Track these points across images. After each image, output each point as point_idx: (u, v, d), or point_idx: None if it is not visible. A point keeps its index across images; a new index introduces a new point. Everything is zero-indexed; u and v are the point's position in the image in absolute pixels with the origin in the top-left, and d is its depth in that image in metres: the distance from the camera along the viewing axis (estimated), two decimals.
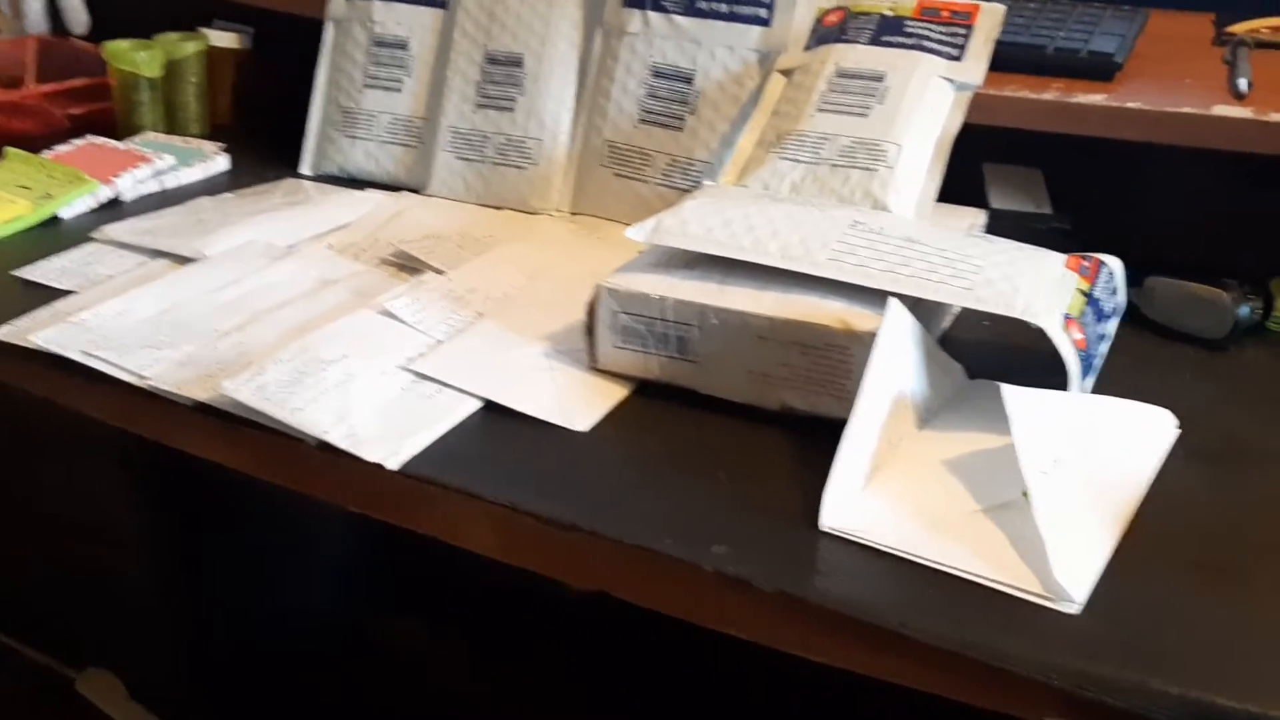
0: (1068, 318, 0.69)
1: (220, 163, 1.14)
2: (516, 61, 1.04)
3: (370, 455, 0.66)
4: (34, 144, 1.10)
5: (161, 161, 1.09)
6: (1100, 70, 0.91)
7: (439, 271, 0.88)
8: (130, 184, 1.06)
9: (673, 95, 0.98)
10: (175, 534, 1.40)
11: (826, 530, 0.60)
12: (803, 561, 0.59)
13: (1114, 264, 0.77)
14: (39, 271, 0.90)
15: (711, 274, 0.73)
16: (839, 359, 0.68)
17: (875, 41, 0.91)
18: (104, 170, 1.06)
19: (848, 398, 0.64)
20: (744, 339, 0.70)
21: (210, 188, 1.09)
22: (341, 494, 0.69)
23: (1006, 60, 0.90)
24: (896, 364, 0.67)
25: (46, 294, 0.86)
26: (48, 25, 1.36)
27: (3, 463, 1.37)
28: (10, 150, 1.08)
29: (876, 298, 0.68)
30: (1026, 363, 0.68)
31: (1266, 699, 0.50)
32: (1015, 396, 0.63)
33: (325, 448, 0.67)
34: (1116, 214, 0.93)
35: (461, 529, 0.65)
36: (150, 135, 1.18)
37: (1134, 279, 0.81)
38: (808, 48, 0.95)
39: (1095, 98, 0.88)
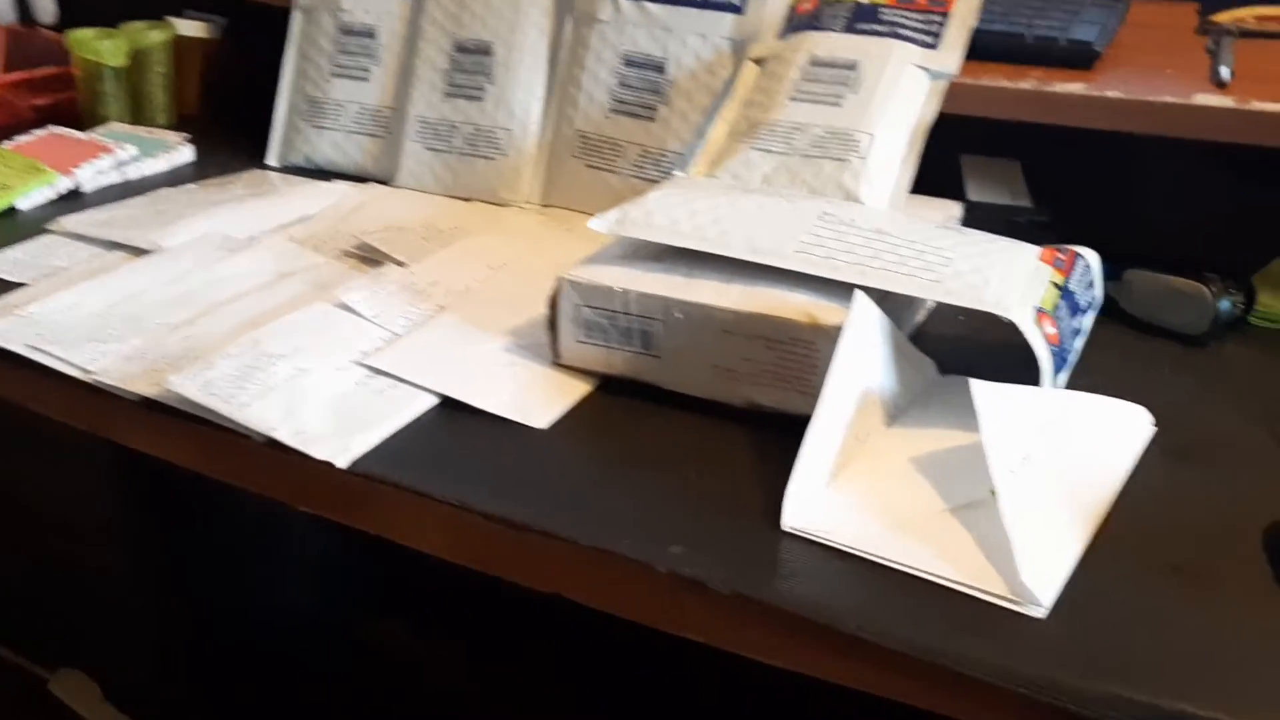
0: (1040, 311, 0.67)
1: (185, 153, 1.12)
2: (486, 50, 1.02)
3: (319, 453, 0.64)
4: None
5: (124, 152, 1.07)
6: (1079, 59, 0.90)
7: (400, 264, 0.85)
8: (91, 175, 1.04)
9: (645, 84, 0.96)
10: (154, 532, 1.38)
11: (788, 530, 0.58)
12: (762, 562, 0.57)
13: (1091, 257, 0.75)
14: None
15: (678, 267, 0.71)
16: (804, 354, 0.66)
17: (850, 29, 0.89)
18: (64, 161, 1.04)
19: (814, 394, 0.62)
20: (708, 333, 0.68)
21: (174, 179, 1.07)
22: (291, 492, 0.67)
23: (984, 48, 0.89)
24: (863, 359, 0.65)
25: None
26: (15, 15, 1.34)
27: None
28: None
29: (845, 291, 0.66)
30: (1001, 358, 0.66)
31: (1239, 707, 0.48)
32: (985, 392, 0.61)
33: (273, 445, 0.65)
34: (1097, 206, 0.92)
35: (409, 528, 0.63)
36: (114, 126, 1.16)
37: (1113, 272, 0.79)
38: (781, 36, 0.93)
39: (1073, 87, 0.86)
